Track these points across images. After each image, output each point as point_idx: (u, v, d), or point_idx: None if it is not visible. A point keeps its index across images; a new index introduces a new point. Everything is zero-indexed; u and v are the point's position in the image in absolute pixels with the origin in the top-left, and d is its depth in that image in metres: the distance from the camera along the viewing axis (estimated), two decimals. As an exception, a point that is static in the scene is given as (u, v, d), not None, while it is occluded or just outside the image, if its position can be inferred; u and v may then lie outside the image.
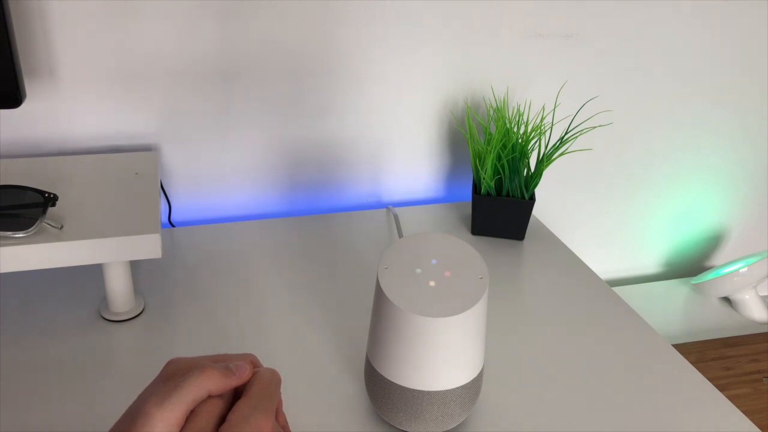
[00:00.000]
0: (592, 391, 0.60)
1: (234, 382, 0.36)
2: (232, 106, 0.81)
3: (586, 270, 0.79)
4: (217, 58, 0.77)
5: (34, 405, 0.55)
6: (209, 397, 0.35)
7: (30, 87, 0.72)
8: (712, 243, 1.16)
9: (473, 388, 0.51)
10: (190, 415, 0.34)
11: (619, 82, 0.94)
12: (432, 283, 0.48)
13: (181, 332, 0.64)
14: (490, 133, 0.80)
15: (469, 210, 0.90)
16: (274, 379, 0.38)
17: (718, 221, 1.14)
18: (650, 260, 1.14)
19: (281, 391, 0.40)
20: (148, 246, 0.59)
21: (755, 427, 0.57)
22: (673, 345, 0.69)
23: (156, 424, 0.33)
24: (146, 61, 0.75)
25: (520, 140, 0.79)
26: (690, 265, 1.17)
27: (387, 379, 0.50)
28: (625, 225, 1.08)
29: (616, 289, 1.04)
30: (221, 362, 0.38)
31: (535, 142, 0.81)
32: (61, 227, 0.59)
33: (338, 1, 0.77)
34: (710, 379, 0.63)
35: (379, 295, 0.49)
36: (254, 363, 0.40)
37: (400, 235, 0.82)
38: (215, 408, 0.35)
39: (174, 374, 0.36)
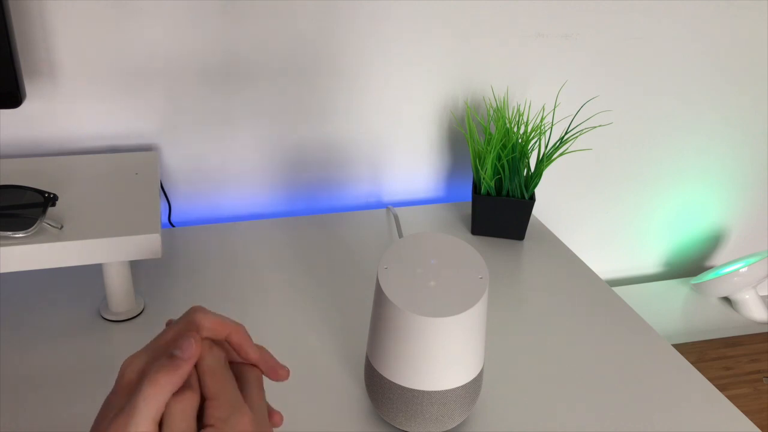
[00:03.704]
0: (591, 391, 0.60)
1: (185, 367, 0.34)
2: (233, 106, 0.81)
3: (586, 270, 0.79)
4: (217, 58, 0.77)
5: (34, 405, 0.55)
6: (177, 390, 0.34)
7: (30, 87, 0.72)
8: (712, 243, 1.16)
9: (473, 388, 0.51)
10: (164, 419, 0.33)
11: (619, 82, 0.94)
12: (432, 283, 0.48)
13: (181, 332, 0.64)
14: (490, 133, 0.80)
15: (469, 210, 0.90)
16: (218, 359, 0.36)
17: (718, 221, 1.14)
18: (650, 260, 1.14)
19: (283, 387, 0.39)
20: (148, 246, 0.59)
21: (755, 427, 0.57)
22: (673, 345, 0.69)
23: None
24: (146, 60, 0.75)
25: (520, 140, 0.79)
26: (690, 265, 1.17)
27: (387, 379, 0.50)
28: (625, 225, 1.08)
29: (616, 289, 1.04)
30: (164, 341, 0.36)
31: (535, 142, 0.81)
32: (61, 227, 0.59)
33: (338, 1, 0.77)
34: (710, 379, 0.63)
35: (379, 295, 0.49)
36: (200, 322, 0.37)
37: (400, 235, 0.82)
38: (187, 404, 0.34)
39: (130, 383, 0.35)
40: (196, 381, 0.35)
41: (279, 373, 0.40)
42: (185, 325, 0.37)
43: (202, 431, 0.34)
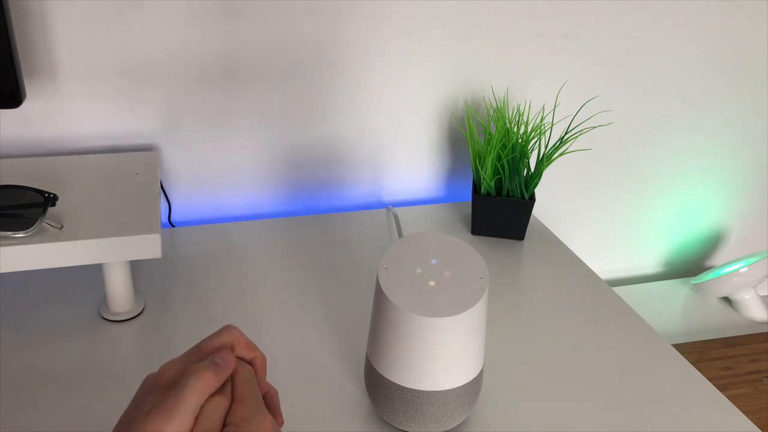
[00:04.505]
0: (591, 391, 0.60)
1: (225, 374, 0.38)
2: (233, 106, 0.81)
3: (586, 270, 0.79)
4: (217, 58, 0.77)
5: (34, 405, 0.55)
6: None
7: (30, 87, 0.72)
8: (712, 243, 1.16)
9: (473, 388, 0.51)
10: (196, 417, 0.35)
11: (619, 82, 0.94)
12: (432, 283, 0.48)
13: (181, 332, 0.64)
14: (490, 133, 0.80)
15: (469, 210, 0.90)
16: (250, 372, 0.40)
17: (718, 221, 1.14)
18: (650, 260, 1.14)
19: (280, 376, 0.40)
20: (148, 246, 0.59)
21: (755, 427, 0.57)
22: (673, 345, 0.69)
23: None
24: (146, 61, 0.75)
25: (520, 140, 0.79)
26: (690, 265, 1.17)
27: (387, 379, 0.50)
28: (625, 225, 1.08)
29: (616, 289, 1.04)
30: (203, 351, 0.39)
31: (535, 142, 0.81)
32: (61, 227, 0.59)
33: (339, 1, 0.77)
34: (710, 379, 0.63)
35: (379, 295, 0.49)
36: (234, 341, 0.41)
37: (400, 235, 0.82)
38: (219, 406, 0.36)
39: (171, 381, 0.37)
40: (229, 387, 0.38)
41: (276, 419, 0.42)
42: (222, 339, 0.40)
43: (226, 428, 0.35)
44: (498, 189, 0.82)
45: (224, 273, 0.74)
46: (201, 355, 0.39)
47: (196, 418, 0.35)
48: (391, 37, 0.81)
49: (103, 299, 0.67)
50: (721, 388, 0.78)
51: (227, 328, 0.41)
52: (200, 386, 0.35)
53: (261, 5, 0.75)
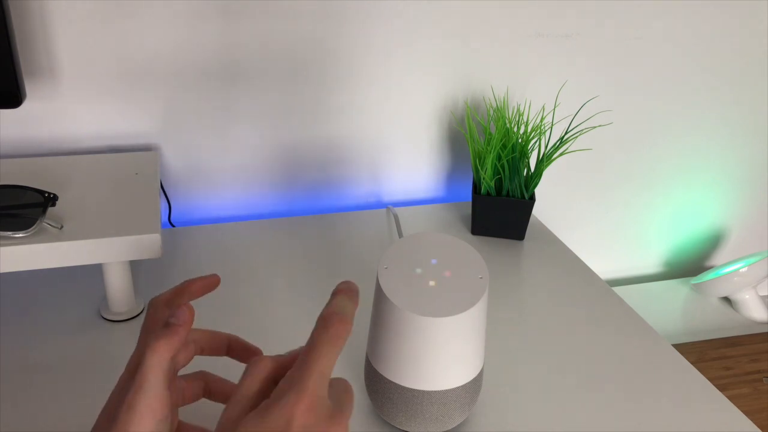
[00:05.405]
0: (591, 391, 0.60)
1: (183, 331, 0.37)
2: (233, 106, 0.81)
3: (586, 270, 0.79)
4: (217, 58, 0.77)
5: (34, 405, 0.55)
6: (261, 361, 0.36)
7: (30, 87, 0.72)
8: (712, 243, 1.16)
9: (473, 388, 0.51)
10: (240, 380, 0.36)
11: (619, 82, 0.94)
12: (432, 283, 0.48)
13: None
14: (490, 133, 0.80)
15: (469, 210, 0.90)
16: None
17: (718, 221, 1.14)
18: (650, 260, 1.14)
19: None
20: (148, 246, 0.59)
21: (755, 427, 0.57)
22: (673, 345, 0.69)
23: (144, 415, 0.35)
24: (147, 61, 0.75)
25: (520, 140, 0.79)
26: (690, 265, 1.17)
27: (387, 379, 0.50)
28: (625, 225, 1.08)
29: (616, 289, 1.04)
30: (160, 307, 0.41)
31: (535, 142, 0.81)
32: (61, 227, 0.59)
33: (339, 1, 0.77)
34: (710, 379, 0.63)
35: (379, 295, 0.49)
36: (187, 289, 0.42)
37: (400, 235, 0.82)
38: (265, 368, 0.36)
39: (133, 361, 0.39)
40: (273, 359, 0.37)
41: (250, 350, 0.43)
42: (171, 296, 0.42)
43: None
44: (498, 189, 0.82)
45: (224, 273, 0.74)
46: (155, 313, 0.41)
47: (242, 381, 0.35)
48: (392, 36, 0.81)
49: (103, 299, 0.67)
50: (721, 388, 0.78)
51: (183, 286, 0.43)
52: (158, 358, 0.36)
53: (261, 5, 0.75)
